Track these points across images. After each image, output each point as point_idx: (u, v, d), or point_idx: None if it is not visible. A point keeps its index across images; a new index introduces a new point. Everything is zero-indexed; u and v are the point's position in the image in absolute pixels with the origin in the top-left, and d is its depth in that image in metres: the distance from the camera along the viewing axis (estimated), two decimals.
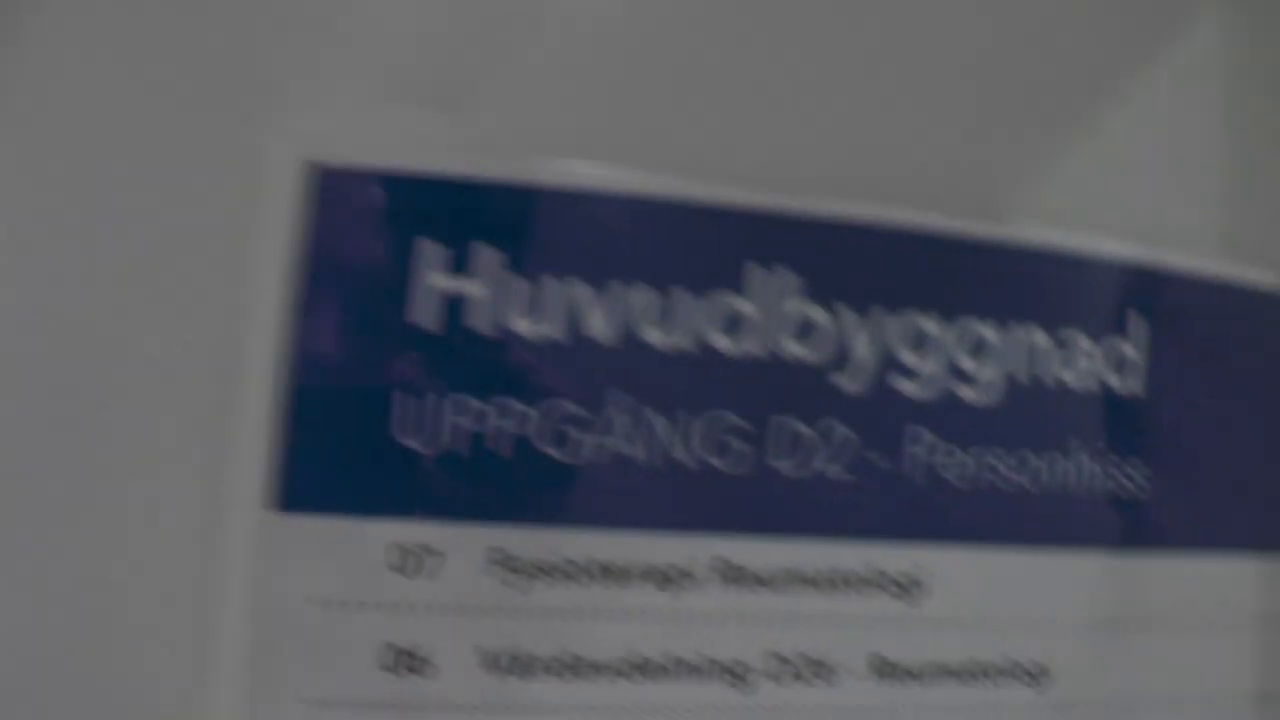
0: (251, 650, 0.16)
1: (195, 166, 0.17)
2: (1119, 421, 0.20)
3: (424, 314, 0.17)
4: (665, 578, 0.17)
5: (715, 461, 0.17)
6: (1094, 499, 0.20)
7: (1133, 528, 0.20)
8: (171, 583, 0.16)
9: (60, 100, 0.17)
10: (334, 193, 0.17)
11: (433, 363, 0.17)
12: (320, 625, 0.16)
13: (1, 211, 0.17)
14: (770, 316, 0.18)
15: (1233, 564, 0.21)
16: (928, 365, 0.18)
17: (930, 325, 0.18)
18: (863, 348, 0.18)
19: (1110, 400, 0.20)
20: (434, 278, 0.17)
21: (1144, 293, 0.20)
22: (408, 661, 0.16)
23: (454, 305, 0.17)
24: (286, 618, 0.16)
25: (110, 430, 0.16)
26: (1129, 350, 0.20)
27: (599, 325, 0.17)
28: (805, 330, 0.18)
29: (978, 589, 0.19)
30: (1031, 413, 0.19)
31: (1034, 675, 0.19)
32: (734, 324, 0.18)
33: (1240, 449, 0.21)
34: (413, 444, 0.17)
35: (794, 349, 0.18)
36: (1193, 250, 0.22)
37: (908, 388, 0.18)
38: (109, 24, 0.17)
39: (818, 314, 0.18)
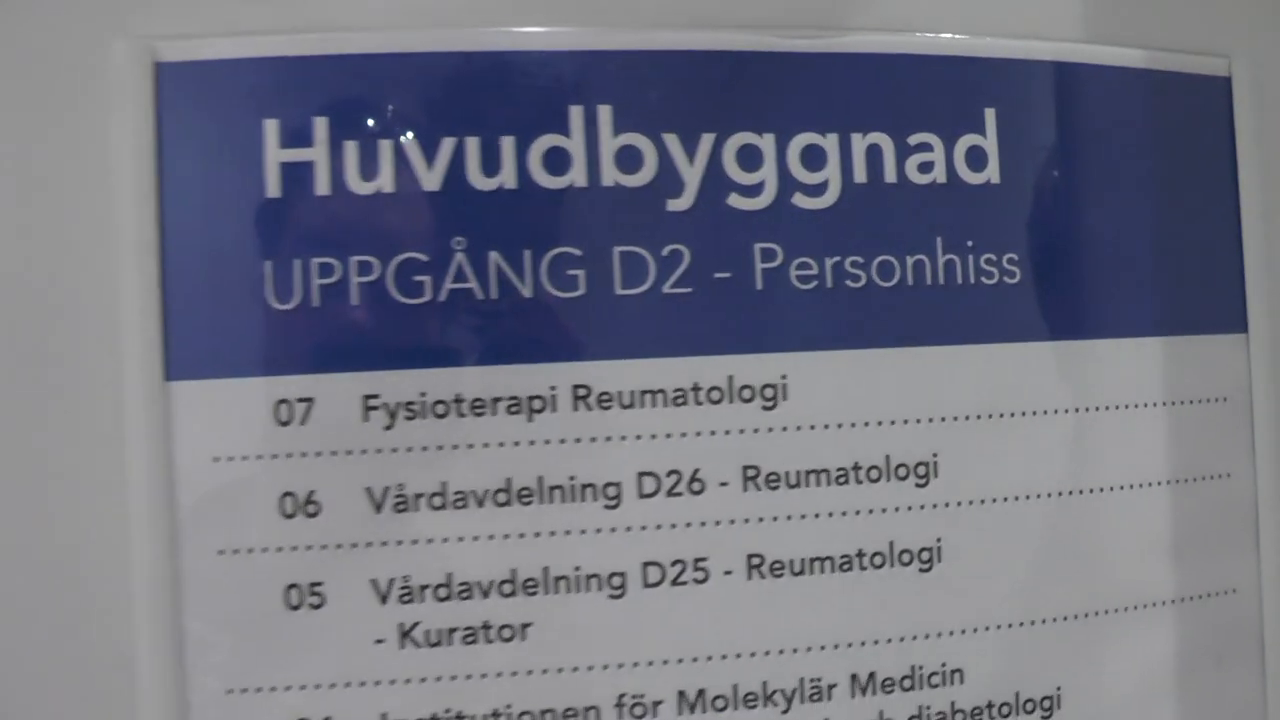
0: (166, 509, 0.20)
1: (48, 73, 0.20)
2: (980, 215, 0.22)
3: (280, 189, 0.20)
4: (527, 407, 0.20)
5: (558, 292, 0.20)
6: (964, 292, 0.22)
7: (1011, 318, 0.23)
8: (84, 454, 0.20)
9: None
10: (181, 86, 0.20)
11: (291, 230, 0.20)
12: (222, 480, 0.20)
13: None
14: (591, 150, 0.20)
15: (1129, 347, 0.23)
16: (760, 179, 0.21)
17: (758, 141, 0.21)
18: (689, 170, 0.21)
19: (967, 195, 0.22)
20: (280, 152, 0.20)
21: (994, 86, 0.23)
22: (301, 506, 0.20)
23: (302, 174, 0.20)
24: (192, 478, 0.20)
25: (9, 326, 0.20)
26: (982, 144, 0.22)
27: (429, 177, 0.20)
28: (629, 160, 0.21)
29: (844, 392, 0.21)
30: (877, 214, 0.21)
31: (918, 473, 0.22)
32: (558, 161, 0.20)
33: (1125, 232, 0.23)
34: (284, 306, 0.20)
35: (620, 178, 0.20)
36: (1049, 36, 0.24)
37: (743, 203, 0.21)
38: None
39: (640, 142, 0.20)
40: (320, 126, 0.20)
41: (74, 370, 0.20)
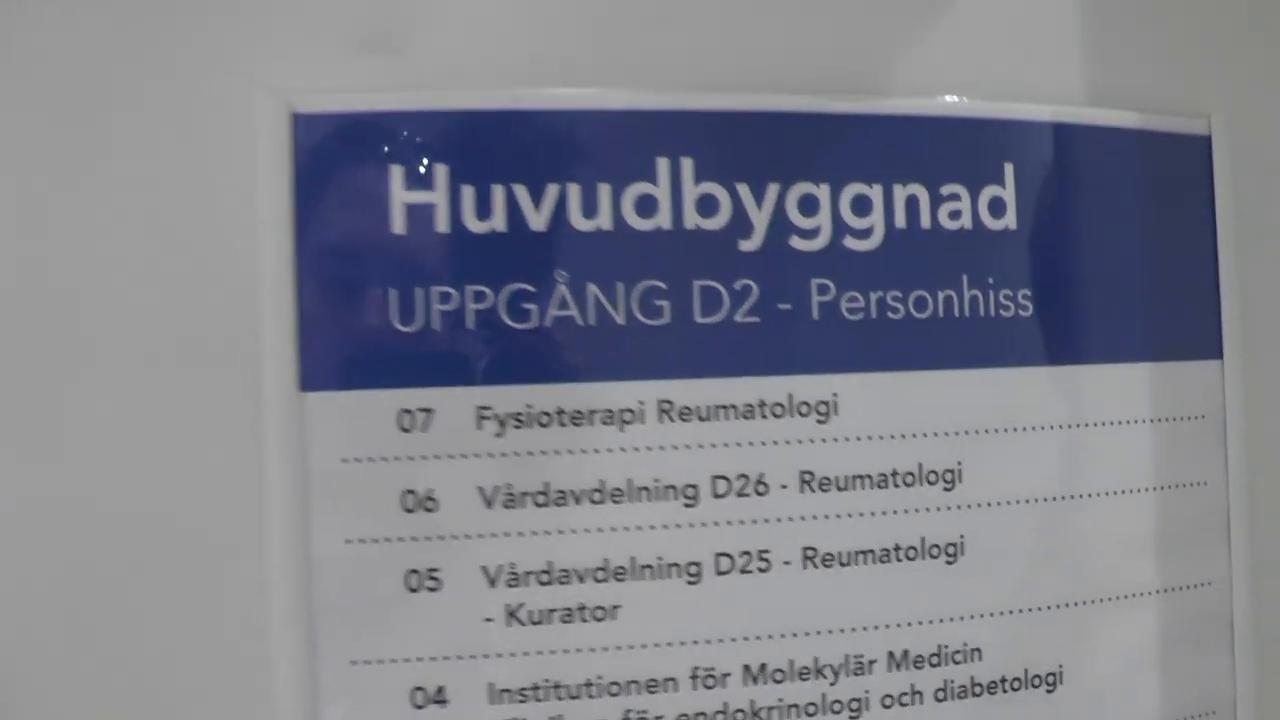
0: (299, 503, 0.23)
1: (201, 119, 0.24)
2: (1000, 256, 0.27)
3: (403, 227, 0.24)
4: (618, 418, 0.24)
5: (646, 319, 0.24)
6: (985, 323, 0.26)
7: (1024, 345, 0.27)
8: (227, 454, 0.24)
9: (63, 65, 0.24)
10: (315, 134, 0.24)
11: (414, 262, 0.24)
12: (350, 479, 0.23)
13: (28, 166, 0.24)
14: (676, 197, 0.24)
15: (1122, 371, 0.28)
16: (817, 224, 0.25)
17: (816, 191, 0.25)
18: (759, 216, 0.25)
19: (989, 239, 0.26)
20: (405, 194, 0.24)
21: (1013, 143, 0.27)
22: (420, 502, 0.23)
23: (424, 214, 0.24)
24: (323, 475, 0.23)
25: (165, 341, 0.23)
26: (1002, 195, 0.26)
27: (536, 218, 0.24)
28: (707, 206, 0.25)
29: (885, 408, 0.26)
30: (914, 255, 0.26)
31: (945, 479, 0.26)
32: (647, 206, 0.24)
33: (1119, 271, 0.28)
34: (407, 328, 0.24)
35: (700, 222, 0.24)
36: (1057, 100, 0.28)
37: (802, 244, 0.25)
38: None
39: (717, 191, 0.24)
40: (440, 173, 0.24)
41: (222, 381, 0.24)
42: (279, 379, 0.24)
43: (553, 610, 0.24)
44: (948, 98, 0.27)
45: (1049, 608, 0.27)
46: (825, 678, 0.25)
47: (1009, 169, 0.27)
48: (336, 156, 0.24)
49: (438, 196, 0.24)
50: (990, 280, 0.27)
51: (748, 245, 0.25)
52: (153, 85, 0.24)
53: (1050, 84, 0.29)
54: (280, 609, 0.24)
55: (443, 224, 0.24)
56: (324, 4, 0.25)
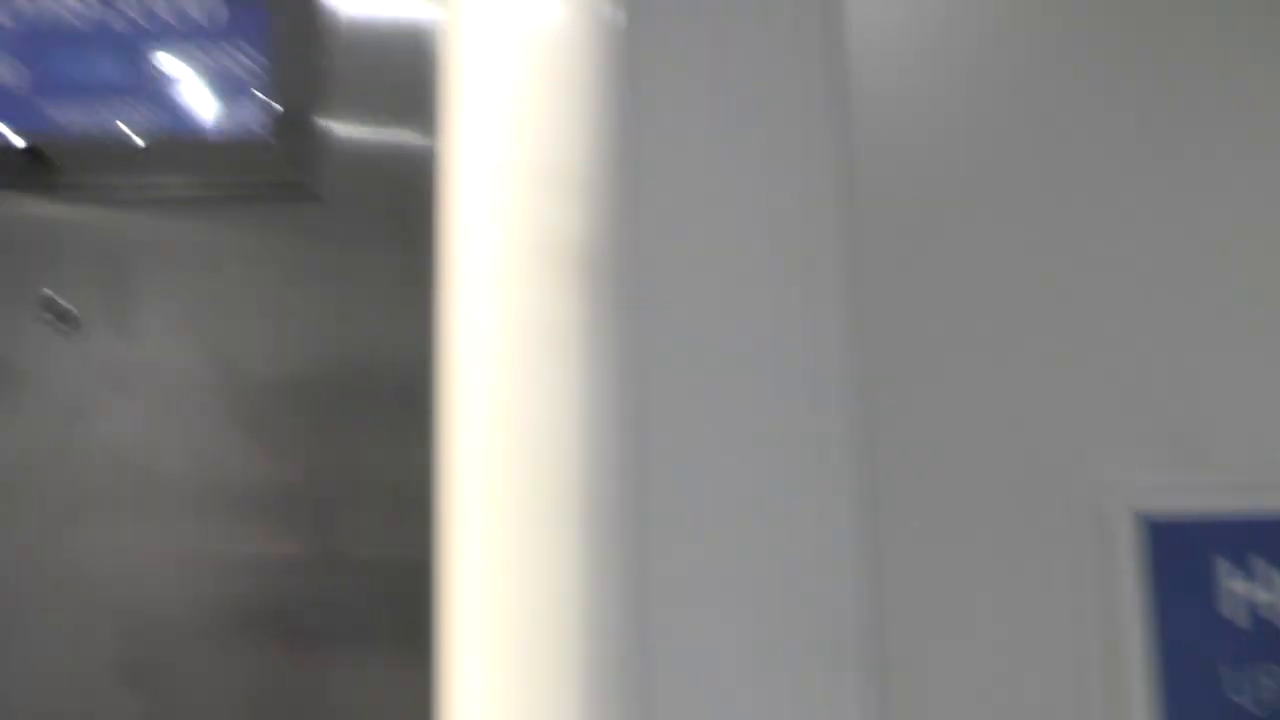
0: None
1: (1060, 518, 0.32)
2: None
3: (1231, 611, 0.30)
4: None
5: None
6: None
7: None
8: None
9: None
10: (1157, 534, 0.31)
11: (1244, 644, 0.30)
12: None
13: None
14: None
15: None
16: None
17: None
18: None
19: None
20: (1233, 585, 0.31)
21: None
22: None
23: (1251, 604, 0.31)
24: None
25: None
26: None
27: None
28: None
29: None
30: None
31: None
32: None
33: None
34: (1240, 700, 0.30)
35: None
36: None
37: None
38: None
39: None
40: (1262, 565, 0.31)
41: None
42: None
43: None
44: None
45: None
46: None
47: None
48: (1172, 550, 0.32)
49: (1261, 587, 0.31)
50: None
51: None
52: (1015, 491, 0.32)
53: None
54: None
55: (1266, 610, 0.31)
56: (1150, 419, 0.33)
